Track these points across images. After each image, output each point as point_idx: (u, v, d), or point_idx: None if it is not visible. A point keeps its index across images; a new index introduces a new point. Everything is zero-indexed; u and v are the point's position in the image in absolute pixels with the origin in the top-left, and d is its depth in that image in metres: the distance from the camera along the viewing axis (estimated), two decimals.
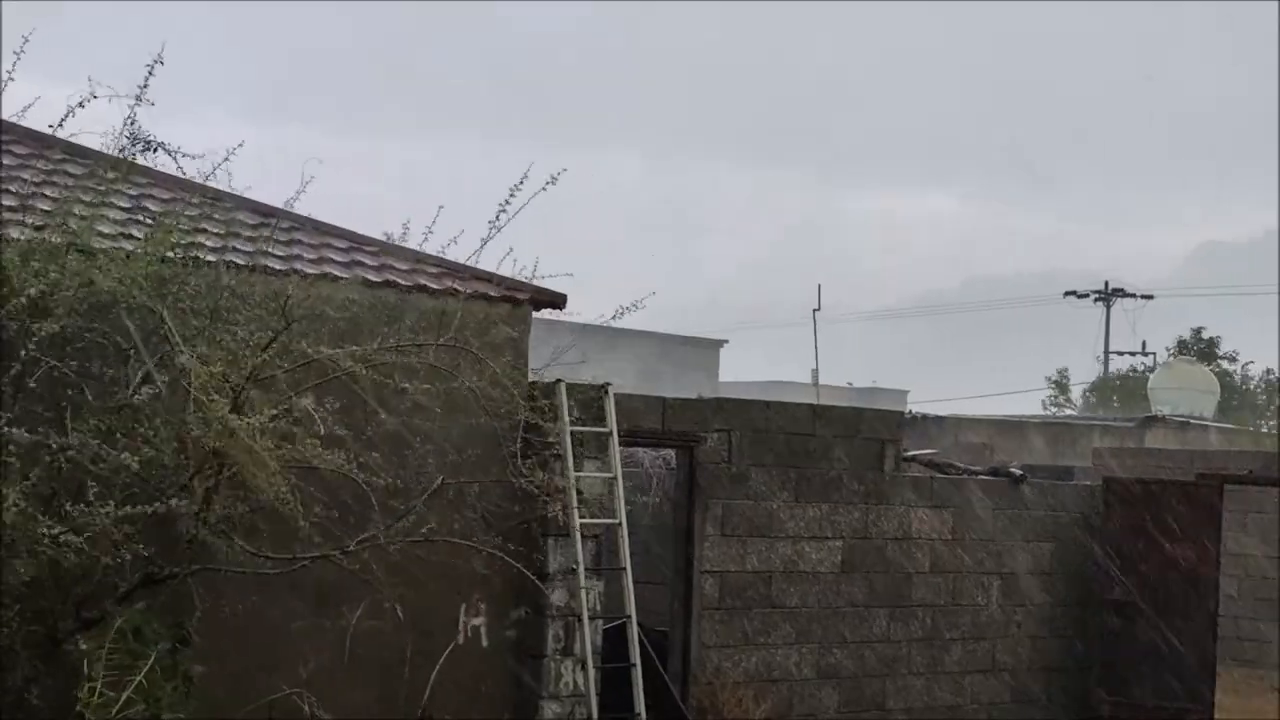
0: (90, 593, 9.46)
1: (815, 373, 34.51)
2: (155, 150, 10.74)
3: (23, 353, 9.20)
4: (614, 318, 12.18)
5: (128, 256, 9.76)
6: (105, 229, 10.37)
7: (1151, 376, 41.02)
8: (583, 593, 12.12)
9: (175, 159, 10.81)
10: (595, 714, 12.18)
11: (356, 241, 12.27)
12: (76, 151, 11.48)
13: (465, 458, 11.54)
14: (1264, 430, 39.51)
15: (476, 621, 11.92)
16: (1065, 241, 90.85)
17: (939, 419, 25.94)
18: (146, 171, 11.44)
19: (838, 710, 14.37)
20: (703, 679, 13.43)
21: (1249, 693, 18.67)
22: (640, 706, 12.35)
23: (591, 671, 12.21)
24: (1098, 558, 16.32)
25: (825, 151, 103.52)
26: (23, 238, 9.66)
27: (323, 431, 9.87)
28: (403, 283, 11.65)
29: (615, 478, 12.49)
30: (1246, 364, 55.33)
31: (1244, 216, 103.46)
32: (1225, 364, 54.38)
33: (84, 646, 9.20)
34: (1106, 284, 55.86)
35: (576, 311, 12.28)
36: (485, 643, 11.98)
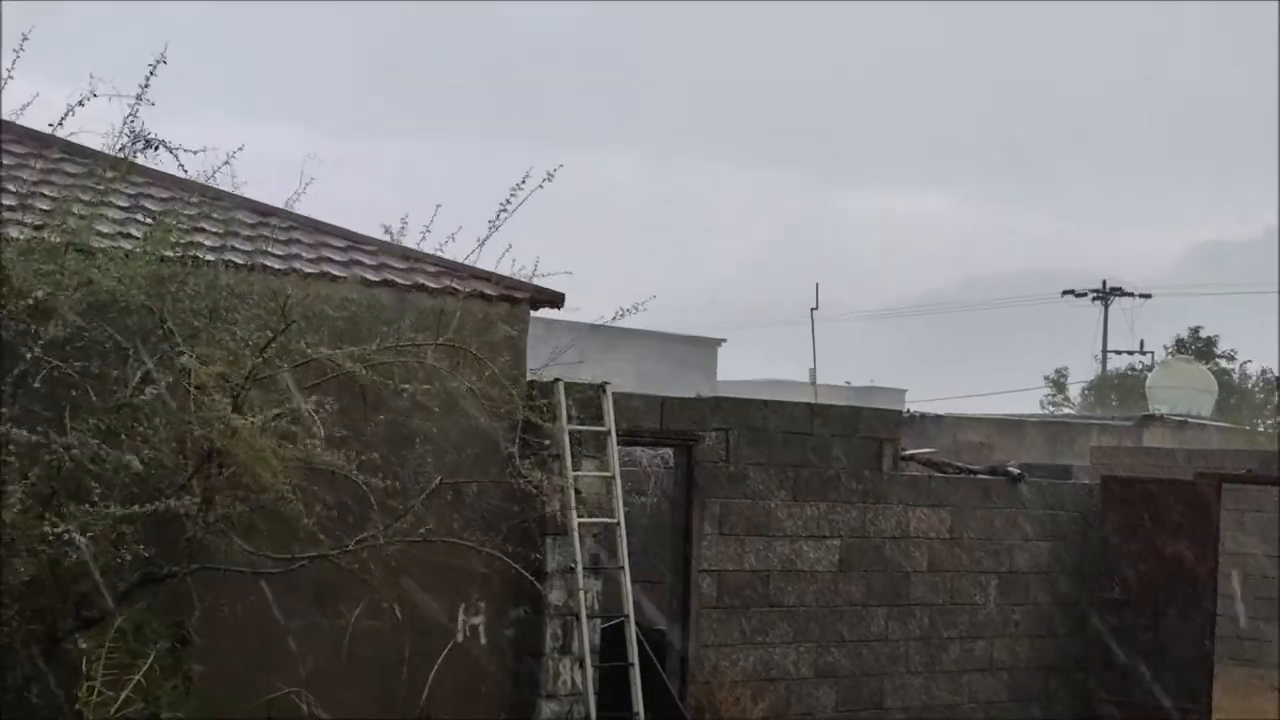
0: (89, 592, 9.46)
1: (813, 372, 34.51)
2: (156, 148, 10.75)
3: (28, 354, 9.19)
4: (614, 319, 12.21)
5: (127, 256, 9.76)
6: (104, 228, 10.37)
7: (1149, 375, 41.04)
8: (581, 592, 12.13)
9: (176, 156, 10.82)
10: (593, 713, 12.19)
11: (354, 241, 12.27)
12: (75, 150, 11.48)
13: (463, 457, 11.55)
14: (1261, 429, 39.52)
15: (475, 620, 11.92)
16: (1064, 241, 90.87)
17: (937, 418, 25.96)
18: (144, 170, 11.43)
19: (835, 709, 14.38)
20: (700, 678, 13.44)
21: (1247, 692, 18.69)
22: (638, 705, 12.36)
23: (590, 670, 12.21)
24: (1096, 557, 16.34)
25: (825, 151, 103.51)
26: (22, 237, 9.66)
27: (322, 433, 9.88)
28: (401, 282, 11.66)
29: (613, 477, 12.49)
30: (1244, 363, 55.39)
31: (1242, 216, 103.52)
32: (1224, 363, 54.41)
33: (84, 645, 9.20)
34: (1105, 283, 55.91)
35: (576, 308, 12.31)
36: (484, 642, 11.99)
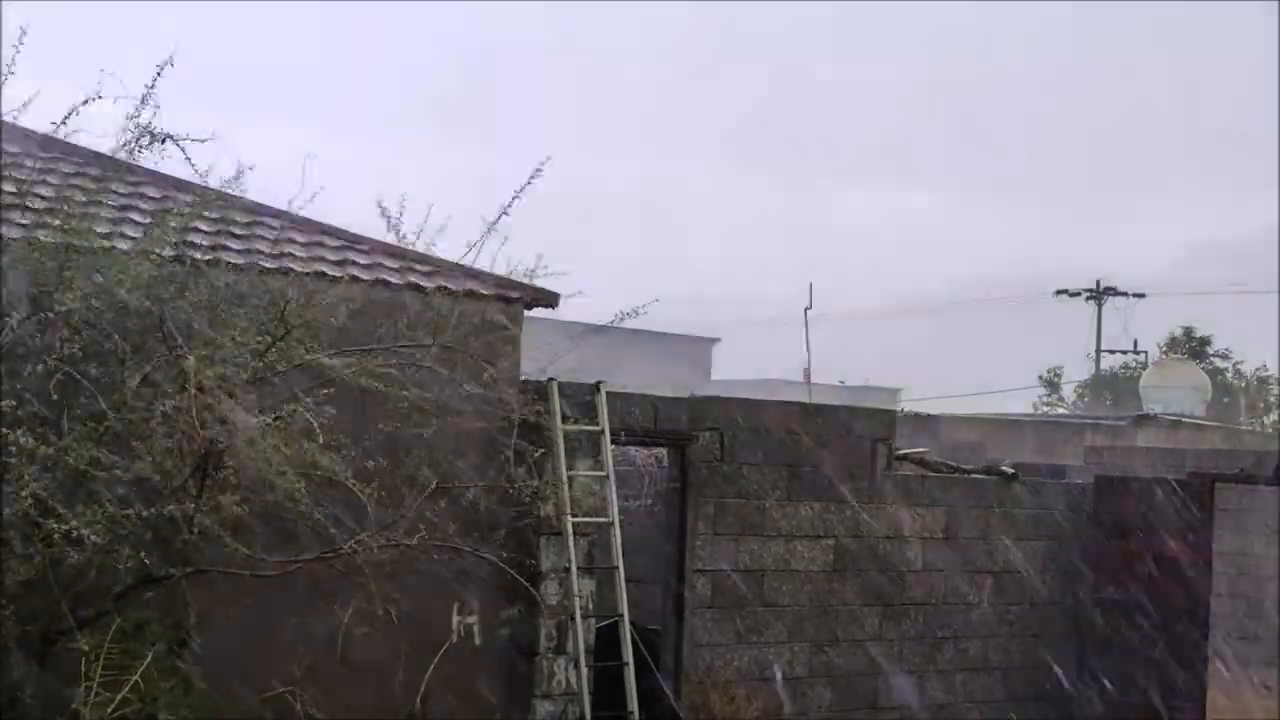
0: (85, 593, 9.45)
1: (807, 371, 34.48)
2: (164, 141, 10.76)
3: (43, 363, 9.17)
4: (614, 322, 12.22)
5: (127, 256, 9.75)
6: (100, 228, 10.35)
7: (1143, 375, 41.07)
8: (575, 591, 12.12)
9: (183, 149, 10.83)
10: (588, 712, 12.19)
11: (349, 240, 12.26)
12: (74, 150, 11.46)
13: (458, 457, 11.54)
14: (1255, 429, 39.55)
15: (469, 620, 11.92)
16: (1058, 240, 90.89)
17: (931, 417, 25.96)
18: (137, 170, 11.42)
19: (830, 709, 14.38)
20: (695, 677, 13.44)
21: (1240, 692, 18.69)
22: (633, 705, 12.36)
23: (584, 670, 12.22)
24: (1089, 556, 16.34)
25: (823, 151, 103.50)
26: (22, 237, 9.65)
27: (320, 439, 9.87)
28: (395, 281, 11.65)
29: (608, 476, 12.50)
30: (1238, 363, 55.43)
31: (1239, 215, 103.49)
32: (1218, 361, 54.46)
33: (83, 646, 9.18)
34: (1098, 283, 55.91)
35: (574, 303, 12.31)
36: (478, 641, 11.99)
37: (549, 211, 13.36)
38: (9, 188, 10.55)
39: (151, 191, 11.58)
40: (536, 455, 11.97)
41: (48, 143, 11.45)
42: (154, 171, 11.53)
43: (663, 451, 14.49)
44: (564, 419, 12.17)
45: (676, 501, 13.62)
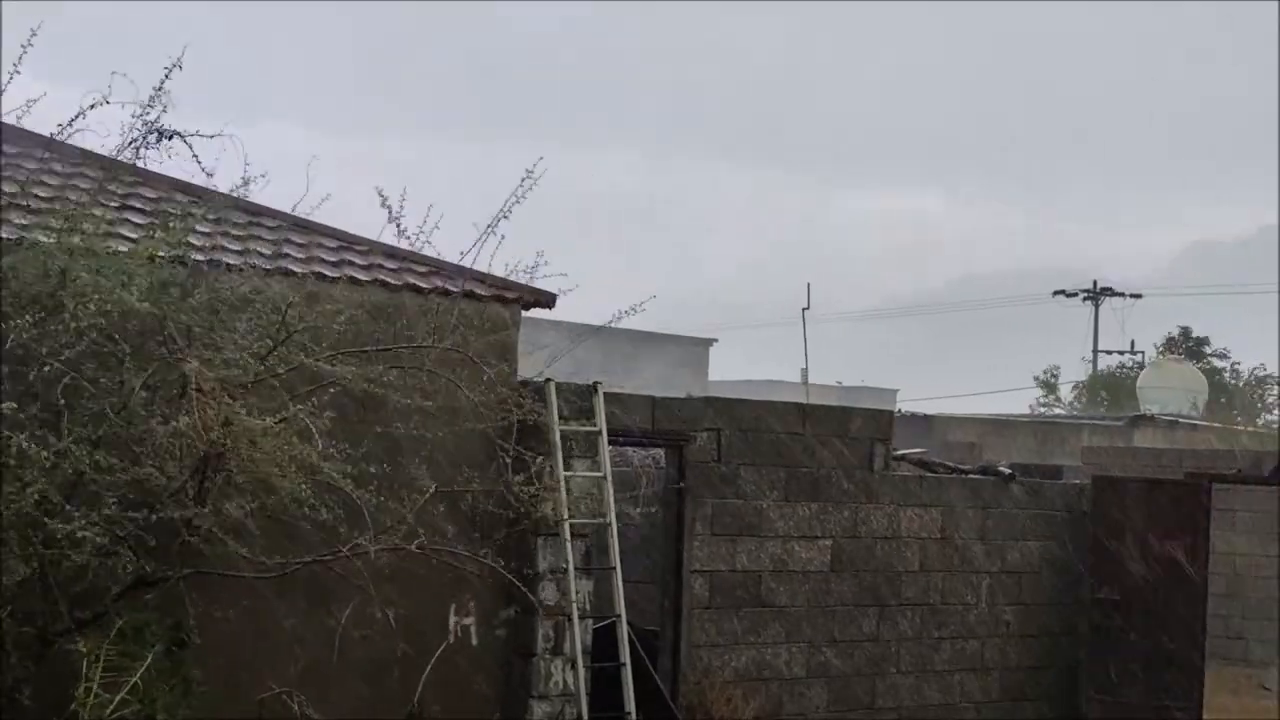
0: (82, 594, 9.45)
1: (805, 372, 34.48)
2: (171, 138, 10.76)
3: (46, 368, 9.17)
4: (612, 321, 12.21)
5: (130, 259, 9.74)
6: (103, 230, 10.33)
7: (1140, 375, 41.11)
8: (573, 592, 12.12)
9: (190, 146, 10.84)
10: (585, 713, 12.18)
11: (346, 241, 12.25)
12: (76, 152, 11.46)
13: (455, 457, 11.54)
14: (1251, 429, 39.56)
15: (466, 621, 11.91)
16: (1057, 240, 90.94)
17: (928, 418, 25.99)
18: (136, 170, 11.41)
19: (827, 709, 14.39)
20: (692, 678, 13.44)
21: (1237, 691, 18.72)
22: (630, 706, 12.36)
23: (581, 671, 12.21)
24: (1087, 556, 16.35)
25: (823, 151, 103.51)
26: (27, 238, 9.65)
27: (319, 444, 9.86)
28: (392, 282, 11.64)
29: (605, 477, 12.49)
30: (1235, 363, 55.46)
31: (1237, 215, 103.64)
32: (1215, 361, 54.49)
33: (81, 647, 9.18)
34: (1095, 283, 55.96)
35: (573, 305, 12.31)
36: (475, 642, 11.98)
37: (547, 212, 13.35)
38: (9, 188, 10.54)
39: (148, 192, 11.56)
40: (534, 456, 11.96)
41: (49, 144, 11.44)
42: (152, 172, 11.51)
43: (660, 452, 14.49)
44: (561, 419, 12.16)
45: (674, 502, 13.62)
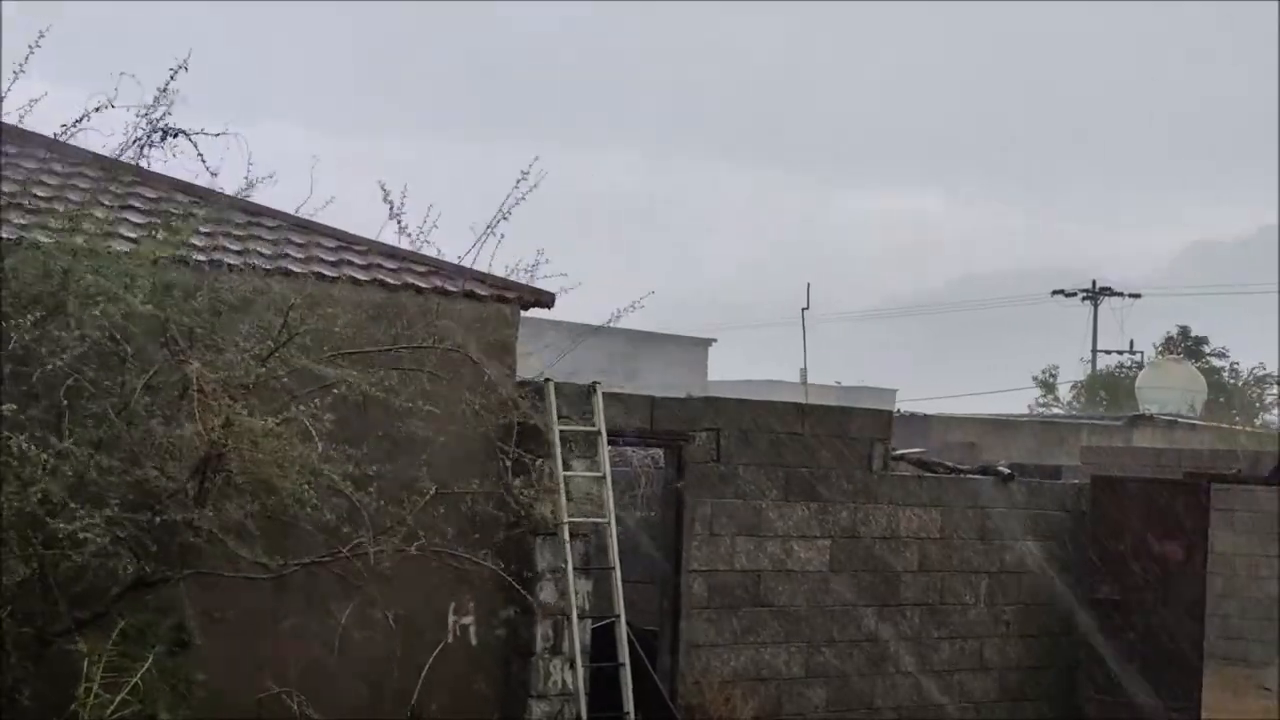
0: (81, 594, 9.45)
1: (804, 372, 34.48)
2: (176, 135, 10.78)
3: (49, 366, 9.18)
4: (609, 321, 12.21)
5: (133, 260, 9.74)
6: (105, 231, 10.33)
7: (1139, 375, 41.10)
8: (571, 592, 12.13)
9: (195, 145, 10.86)
10: (584, 713, 12.19)
11: (345, 240, 12.25)
12: (72, 152, 11.46)
13: (454, 457, 11.53)
14: (1250, 429, 39.58)
15: (465, 621, 11.92)
16: (1057, 240, 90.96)
17: (927, 418, 26.01)
18: (136, 170, 11.41)
19: (826, 709, 14.39)
20: (691, 678, 13.45)
21: (1236, 691, 18.72)
22: (629, 705, 12.36)
23: (580, 670, 12.21)
24: (1086, 556, 16.35)
25: (823, 151, 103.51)
26: (42, 239, 9.65)
27: (319, 446, 9.86)
28: (391, 282, 11.65)
29: (604, 477, 12.49)
30: (1234, 362, 55.47)
31: (1235, 215, 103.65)
32: (1214, 360, 54.50)
33: (81, 648, 9.17)
34: (1094, 283, 55.96)
35: (572, 305, 12.32)
36: (474, 642, 11.98)
37: (547, 212, 13.36)
38: (9, 188, 10.55)
39: (149, 192, 11.55)
40: (534, 459, 11.96)
41: (50, 144, 11.45)
42: (153, 172, 11.51)
43: (659, 452, 14.49)
44: (560, 419, 12.17)
45: (673, 502, 13.63)
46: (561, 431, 12.15)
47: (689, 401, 13.99)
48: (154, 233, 10.30)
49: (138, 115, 10.47)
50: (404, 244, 11.99)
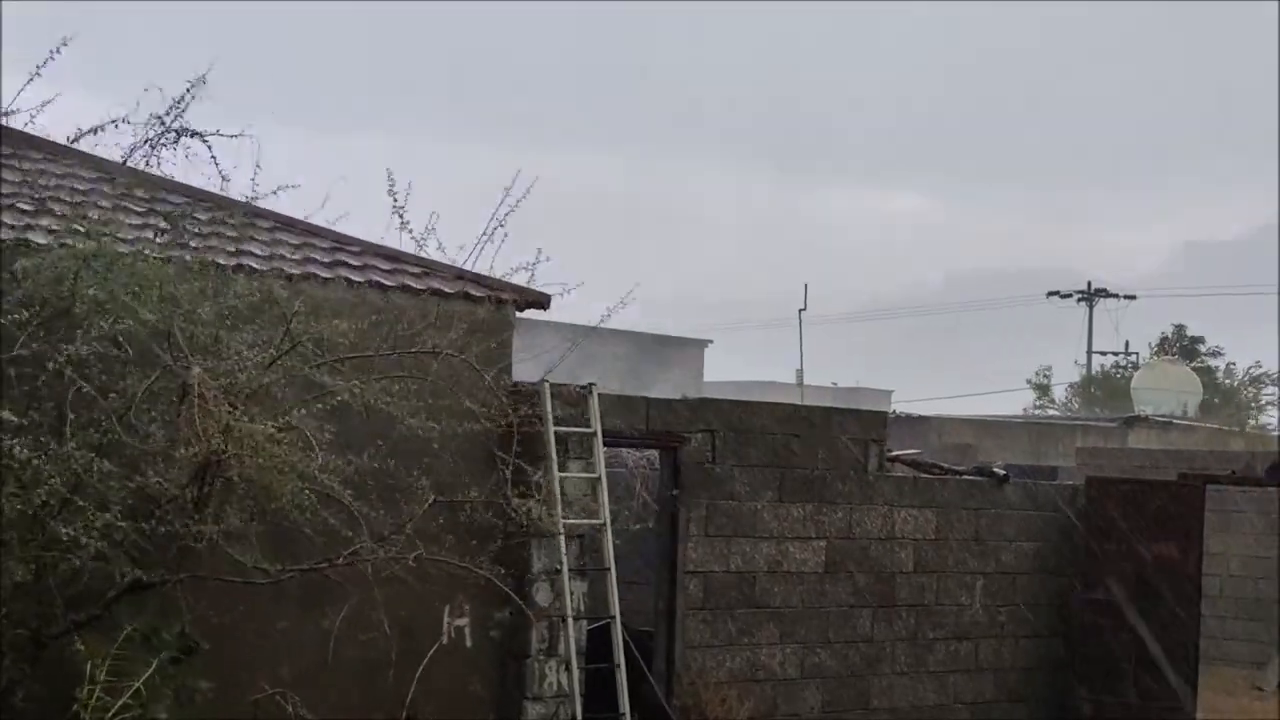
0: (77, 597, 9.44)
1: (799, 373, 34.53)
2: (190, 136, 10.79)
3: (50, 366, 9.17)
4: (601, 320, 12.21)
5: (141, 263, 9.73)
6: (110, 235, 10.32)
7: (1134, 376, 41.14)
8: (567, 593, 12.13)
9: (209, 146, 10.87)
10: (579, 714, 12.19)
11: (339, 241, 12.25)
12: (73, 154, 11.46)
13: (450, 459, 11.52)
14: (1245, 429, 39.63)
15: (461, 622, 11.91)
16: (1053, 241, 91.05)
17: (923, 419, 26.01)
18: (136, 172, 11.41)
19: (821, 710, 14.39)
20: (687, 679, 13.44)
21: (1231, 692, 18.74)
22: (625, 707, 12.36)
23: (576, 672, 12.21)
24: (1081, 557, 16.36)
25: (816, 150, 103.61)
26: (41, 240, 9.64)
27: (319, 455, 9.85)
28: (386, 283, 11.64)
29: (599, 478, 12.50)
30: (1230, 362, 55.51)
31: (1233, 215, 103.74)
32: (1210, 360, 54.53)
33: (82, 650, 9.16)
34: (1089, 284, 56.00)
35: (568, 305, 12.31)
36: (469, 644, 11.98)
37: (543, 212, 13.35)
38: (8, 189, 10.55)
39: (149, 193, 11.55)
40: (529, 458, 11.96)
41: (56, 148, 11.46)
42: (154, 175, 11.51)
43: (654, 453, 14.49)
44: (556, 420, 12.16)
45: (668, 503, 13.63)
46: (557, 433, 12.14)
47: (684, 402, 13.99)
48: (159, 236, 10.30)
49: (151, 116, 10.52)
50: (407, 245, 12.00)
